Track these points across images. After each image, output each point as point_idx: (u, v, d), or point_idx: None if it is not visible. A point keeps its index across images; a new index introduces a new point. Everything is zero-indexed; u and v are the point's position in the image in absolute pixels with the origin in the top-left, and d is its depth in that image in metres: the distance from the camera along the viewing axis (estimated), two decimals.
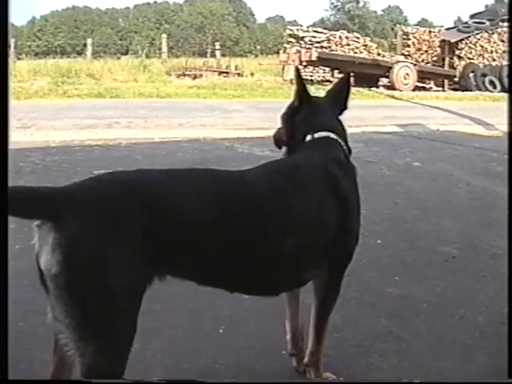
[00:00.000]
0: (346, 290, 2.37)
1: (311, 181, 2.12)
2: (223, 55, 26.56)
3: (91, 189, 1.74)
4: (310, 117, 2.37)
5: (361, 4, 73.29)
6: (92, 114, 10.88)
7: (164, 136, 8.73)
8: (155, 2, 76.79)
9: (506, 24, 22.45)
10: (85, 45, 25.04)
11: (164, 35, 25.07)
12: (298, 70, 2.51)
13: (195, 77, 19.64)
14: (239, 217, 1.89)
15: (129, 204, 1.71)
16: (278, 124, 2.45)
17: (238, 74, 20.50)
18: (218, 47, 25.15)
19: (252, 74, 20.82)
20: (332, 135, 2.31)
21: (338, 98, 2.43)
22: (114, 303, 1.66)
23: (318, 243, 2.07)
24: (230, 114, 11.93)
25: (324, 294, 2.23)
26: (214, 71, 20.46)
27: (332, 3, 73.09)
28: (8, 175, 1.59)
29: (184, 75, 19.86)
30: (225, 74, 20.26)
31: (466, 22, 23.85)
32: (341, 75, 19.74)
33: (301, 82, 2.42)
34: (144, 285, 1.74)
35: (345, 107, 2.44)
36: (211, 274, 1.94)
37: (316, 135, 2.31)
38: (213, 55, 24.07)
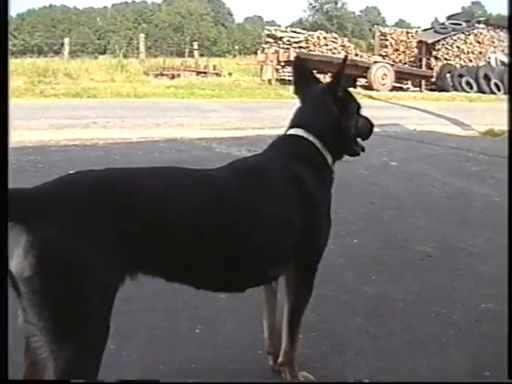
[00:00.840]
0: (322, 288, 2.38)
1: (274, 179, 2.11)
2: (201, 55, 26.57)
3: (62, 189, 1.72)
4: (296, 113, 2.36)
5: (339, 5, 73.75)
6: (69, 113, 10.82)
7: (141, 136, 8.71)
8: (133, 1, 76.57)
9: (481, 25, 22.78)
10: (62, 44, 24.91)
11: (142, 35, 25.01)
12: (297, 64, 2.48)
13: (173, 77, 19.62)
14: (205, 214, 1.89)
15: (100, 203, 1.70)
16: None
17: (216, 74, 20.51)
18: (196, 47, 25.10)
19: (230, 74, 20.85)
20: (301, 132, 2.25)
21: (333, 87, 2.31)
22: (87, 304, 1.65)
23: (281, 241, 2.07)
24: (207, 114, 11.92)
25: (295, 292, 2.22)
26: (192, 71, 20.46)
27: (310, 4, 73.46)
28: (8, 176, 1.57)
29: (162, 75, 19.85)
30: (203, 74, 20.26)
31: (443, 24, 24.08)
32: (319, 76, 20.03)
33: (295, 78, 2.41)
34: (117, 284, 1.73)
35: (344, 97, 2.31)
36: (178, 270, 1.93)
37: (288, 132, 2.30)
38: (191, 55, 24.02)
